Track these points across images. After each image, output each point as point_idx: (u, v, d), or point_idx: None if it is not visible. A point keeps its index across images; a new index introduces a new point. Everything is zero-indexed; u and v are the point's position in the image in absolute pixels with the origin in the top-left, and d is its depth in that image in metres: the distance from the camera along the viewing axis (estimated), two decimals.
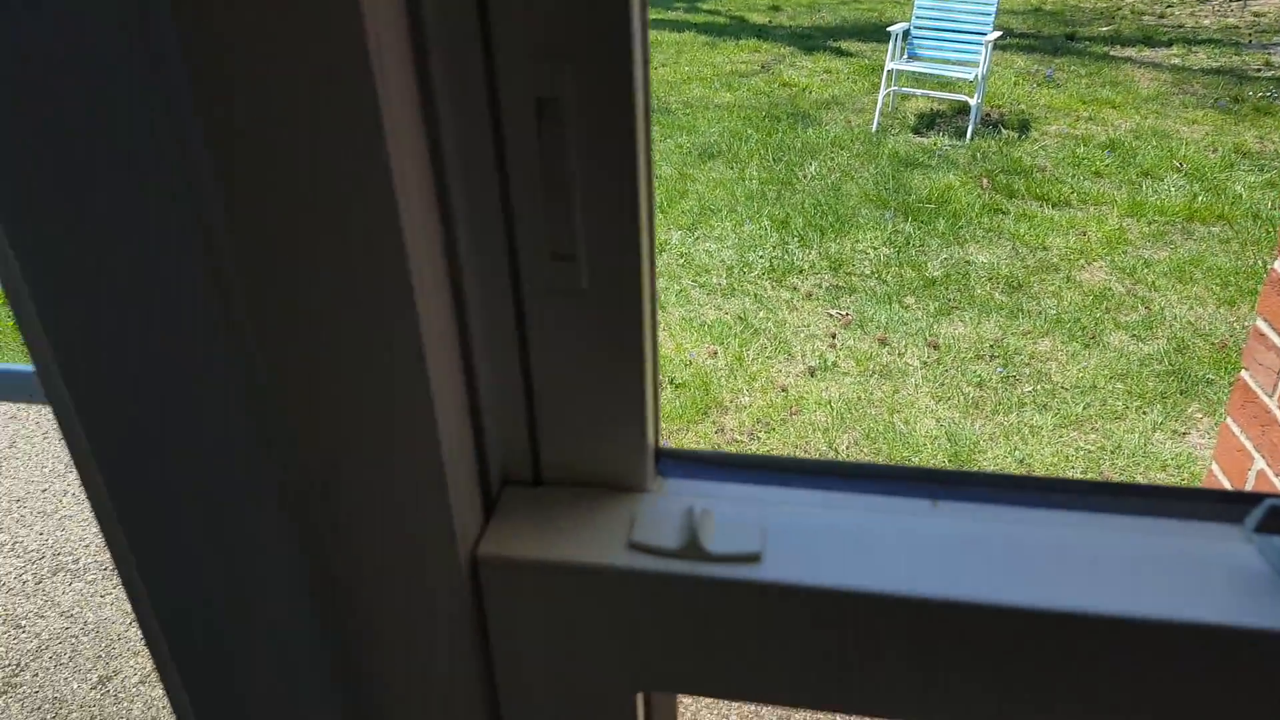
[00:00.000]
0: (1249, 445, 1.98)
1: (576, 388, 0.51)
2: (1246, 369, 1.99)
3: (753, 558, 0.48)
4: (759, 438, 3.86)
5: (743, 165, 6.35)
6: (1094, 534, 0.50)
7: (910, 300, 4.77)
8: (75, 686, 2.78)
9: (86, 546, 3.29)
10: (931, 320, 4.60)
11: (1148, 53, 8.65)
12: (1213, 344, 4.36)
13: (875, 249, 5.24)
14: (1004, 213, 5.61)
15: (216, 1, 0.35)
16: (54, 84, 0.37)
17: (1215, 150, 6.40)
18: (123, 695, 2.76)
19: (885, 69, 6.92)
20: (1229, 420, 2.05)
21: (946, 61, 6.91)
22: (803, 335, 4.51)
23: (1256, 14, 9.88)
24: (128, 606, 3.04)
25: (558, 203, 0.45)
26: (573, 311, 0.48)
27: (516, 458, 0.54)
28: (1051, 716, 0.48)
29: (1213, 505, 0.51)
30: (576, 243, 0.46)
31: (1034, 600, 0.45)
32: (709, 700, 2.66)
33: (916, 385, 4.15)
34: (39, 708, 2.72)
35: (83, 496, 3.51)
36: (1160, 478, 3.60)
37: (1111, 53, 8.68)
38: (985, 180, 6.01)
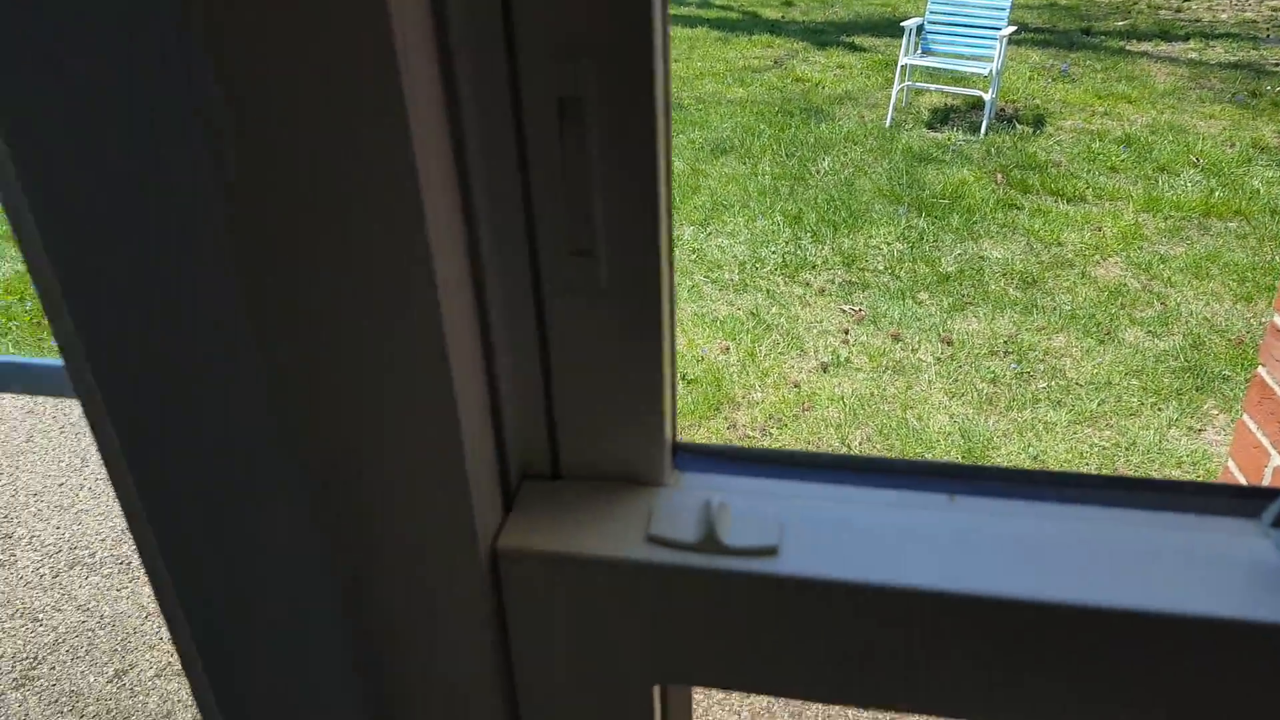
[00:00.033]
0: (1265, 442, 1.97)
1: (595, 383, 0.51)
2: (1263, 365, 1.98)
3: (770, 551, 0.49)
4: (771, 433, 3.86)
5: (755, 160, 6.34)
6: (1110, 528, 0.50)
7: (924, 296, 4.75)
8: (92, 680, 2.81)
9: (103, 541, 3.31)
10: (945, 316, 4.58)
11: (1164, 47, 8.58)
12: (1229, 340, 4.33)
13: (889, 244, 5.22)
14: (1018, 208, 5.58)
15: (246, 4, 0.36)
16: (91, 90, 0.38)
17: (1232, 145, 6.35)
18: (139, 688, 2.78)
19: (899, 64, 6.89)
20: (1245, 417, 2.04)
21: (960, 56, 6.87)
22: (815, 331, 4.50)
23: (1274, 8, 9.78)
24: (144, 600, 3.07)
25: (578, 202, 0.45)
26: (592, 309, 0.49)
27: (535, 452, 0.54)
28: (1067, 710, 0.48)
29: (1229, 500, 0.51)
30: (597, 241, 0.46)
31: (1050, 594, 0.46)
32: (720, 695, 2.67)
33: (930, 381, 4.14)
34: (56, 700, 2.74)
35: (99, 491, 3.54)
36: (1175, 475, 3.58)
37: (1127, 47, 8.62)
38: (1000, 175, 5.98)
